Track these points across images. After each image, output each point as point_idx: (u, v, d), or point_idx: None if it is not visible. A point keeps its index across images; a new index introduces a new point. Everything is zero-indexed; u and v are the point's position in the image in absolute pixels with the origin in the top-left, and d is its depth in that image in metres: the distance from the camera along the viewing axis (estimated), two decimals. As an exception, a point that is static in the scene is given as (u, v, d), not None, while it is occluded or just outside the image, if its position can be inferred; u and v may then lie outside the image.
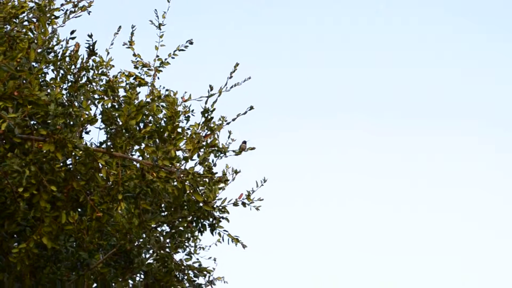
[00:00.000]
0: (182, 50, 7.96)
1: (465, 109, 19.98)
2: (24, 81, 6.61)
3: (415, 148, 19.54)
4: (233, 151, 7.42)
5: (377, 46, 20.05)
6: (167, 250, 8.40)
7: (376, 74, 20.04)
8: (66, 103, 6.91)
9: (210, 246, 9.83)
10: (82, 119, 7.01)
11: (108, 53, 7.80)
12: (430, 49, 20.17)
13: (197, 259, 9.23)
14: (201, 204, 7.32)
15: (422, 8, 20.02)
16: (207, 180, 7.18)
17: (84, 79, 7.86)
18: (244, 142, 7.48)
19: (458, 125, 19.49)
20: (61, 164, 7.13)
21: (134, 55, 8.03)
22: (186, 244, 9.08)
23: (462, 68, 20.15)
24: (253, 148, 7.47)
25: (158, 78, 7.92)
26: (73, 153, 7.00)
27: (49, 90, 7.61)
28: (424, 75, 20.01)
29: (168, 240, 8.37)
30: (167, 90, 7.79)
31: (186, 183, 7.05)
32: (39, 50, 7.20)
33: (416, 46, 20.19)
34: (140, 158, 7.24)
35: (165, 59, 7.99)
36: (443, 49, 20.19)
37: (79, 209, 7.77)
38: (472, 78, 20.05)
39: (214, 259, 9.80)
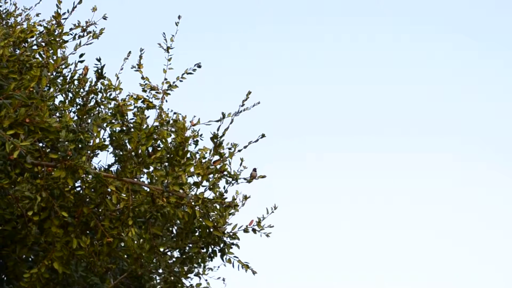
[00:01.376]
0: (190, 73, 7.94)
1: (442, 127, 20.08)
2: (35, 108, 6.63)
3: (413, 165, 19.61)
4: (245, 178, 7.41)
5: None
6: (177, 275, 8.39)
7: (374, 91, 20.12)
8: (76, 129, 6.91)
9: (218, 267, 9.83)
10: (92, 144, 7.02)
11: (117, 78, 7.79)
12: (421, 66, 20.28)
13: (206, 280, 9.24)
14: (211, 230, 7.31)
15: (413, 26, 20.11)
16: (217, 205, 7.17)
17: (93, 102, 7.85)
18: (255, 170, 7.47)
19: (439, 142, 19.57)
20: (70, 187, 7.13)
21: (143, 78, 8.00)
22: (195, 265, 9.08)
23: (441, 86, 20.24)
24: (264, 176, 7.47)
25: (166, 101, 7.89)
26: (83, 178, 7.01)
27: (58, 114, 7.61)
28: (399, 91, 20.07)
29: (178, 266, 8.36)
30: (175, 113, 7.78)
31: (196, 209, 7.05)
32: (49, 74, 7.22)
33: (404, 63, 20.29)
34: (149, 181, 7.24)
35: (173, 82, 7.96)
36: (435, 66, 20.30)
37: (88, 232, 7.77)
38: (449, 96, 20.14)
39: (223, 279, 9.80)
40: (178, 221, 7.59)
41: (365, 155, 19.59)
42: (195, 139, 7.61)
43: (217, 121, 7.40)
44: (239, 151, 7.39)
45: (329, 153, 19.50)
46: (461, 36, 20.33)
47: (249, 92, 7.39)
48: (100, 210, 7.15)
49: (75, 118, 7.57)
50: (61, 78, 7.60)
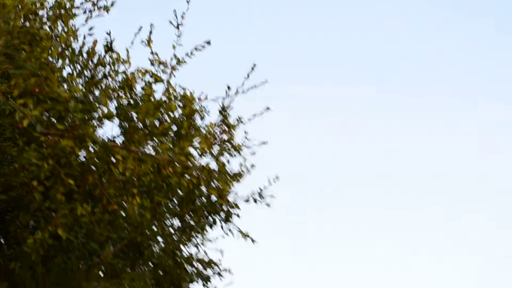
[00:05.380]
0: (199, 49, 7.98)
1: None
2: (45, 79, 6.67)
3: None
4: (247, 147, 7.50)
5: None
6: (176, 243, 8.51)
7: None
8: (85, 100, 6.97)
9: (217, 238, 9.94)
10: (100, 114, 7.08)
11: (127, 51, 7.83)
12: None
13: (204, 251, 9.36)
14: (215, 198, 7.43)
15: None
16: (222, 175, 7.28)
17: (101, 75, 7.89)
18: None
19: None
20: (75, 156, 7.20)
21: (152, 53, 8.03)
22: (194, 233, 9.19)
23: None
24: (265, 143, 7.54)
25: (174, 76, 7.94)
26: (90, 147, 7.08)
27: (66, 86, 7.66)
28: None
29: (177, 234, 8.47)
30: (182, 88, 7.84)
31: (201, 178, 7.14)
32: (58, 47, 7.25)
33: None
34: (154, 153, 7.31)
35: (182, 58, 8.00)
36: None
37: (89, 200, 7.85)
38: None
39: (221, 251, 9.91)
40: (180, 191, 7.69)
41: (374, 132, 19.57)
42: (202, 114, 7.69)
43: (224, 98, 7.48)
44: (244, 124, 7.49)
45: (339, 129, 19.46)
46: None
47: (254, 65, 7.46)
48: (105, 178, 7.23)
49: (83, 90, 7.62)
50: (70, 50, 7.63)
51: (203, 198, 7.81)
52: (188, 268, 8.80)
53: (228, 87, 7.38)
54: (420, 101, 20.00)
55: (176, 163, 7.13)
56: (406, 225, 18.41)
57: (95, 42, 7.63)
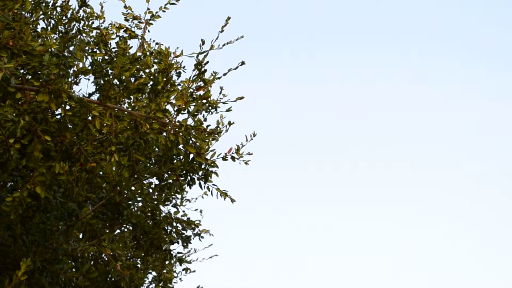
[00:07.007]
0: (173, 3, 7.99)
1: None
2: (19, 32, 6.64)
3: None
4: (224, 103, 7.48)
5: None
6: (155, 202, 8.51)
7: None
8: (60, 54, 6.95)
9: (196, 199, 9.97)
10: (75, 69, 7.06)
11: (102, 6, 7.83)
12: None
13: (183, 211, 9.38)
14: (192, 156, 7.42)
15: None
16: (199, 132, 7.27)
17: (75, 30, 7.89)
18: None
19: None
20: (50, 114, 7.18)
21: (125, 7, 8.05)
22: (173, 196, 9.20)
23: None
24: (242, 98, 7.52)
25: (149, 31, 7.96)
26: (66, 104, 7.06)
27: (40, 40, 7.62)
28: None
29: (156, 193, 8.48)
30: (157, 43, 7.84)
31: (179, 135, 7.14)
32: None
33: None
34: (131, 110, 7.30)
35: (156, 12, 8.02)
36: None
37: (68, 160, 7.84)
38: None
39: (201, 211, 9.95)
40: (157, 149, 7.69)
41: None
42: (177, 71, 7.67)
43: (200, 53, 7.46)
44: (219, 78, 7.47)
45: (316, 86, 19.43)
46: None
47: (229, 18, 7.43)
48: (83, 135, 7.22)
49: (57, 45, 7.59)
50: (44, 4, 7.61)
51: (181, 157, 7.81)
52: (168, 228, 8.81)
53: (203, 41, 7.36)
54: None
55: (153, 120, 7.12)
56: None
57: (69, -4, 7.63)
